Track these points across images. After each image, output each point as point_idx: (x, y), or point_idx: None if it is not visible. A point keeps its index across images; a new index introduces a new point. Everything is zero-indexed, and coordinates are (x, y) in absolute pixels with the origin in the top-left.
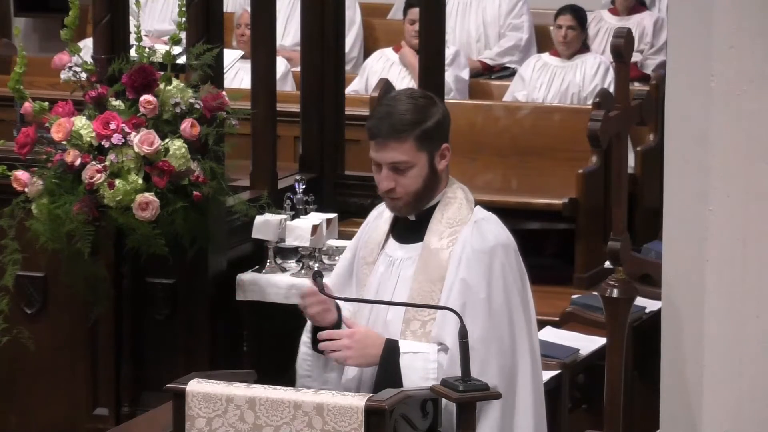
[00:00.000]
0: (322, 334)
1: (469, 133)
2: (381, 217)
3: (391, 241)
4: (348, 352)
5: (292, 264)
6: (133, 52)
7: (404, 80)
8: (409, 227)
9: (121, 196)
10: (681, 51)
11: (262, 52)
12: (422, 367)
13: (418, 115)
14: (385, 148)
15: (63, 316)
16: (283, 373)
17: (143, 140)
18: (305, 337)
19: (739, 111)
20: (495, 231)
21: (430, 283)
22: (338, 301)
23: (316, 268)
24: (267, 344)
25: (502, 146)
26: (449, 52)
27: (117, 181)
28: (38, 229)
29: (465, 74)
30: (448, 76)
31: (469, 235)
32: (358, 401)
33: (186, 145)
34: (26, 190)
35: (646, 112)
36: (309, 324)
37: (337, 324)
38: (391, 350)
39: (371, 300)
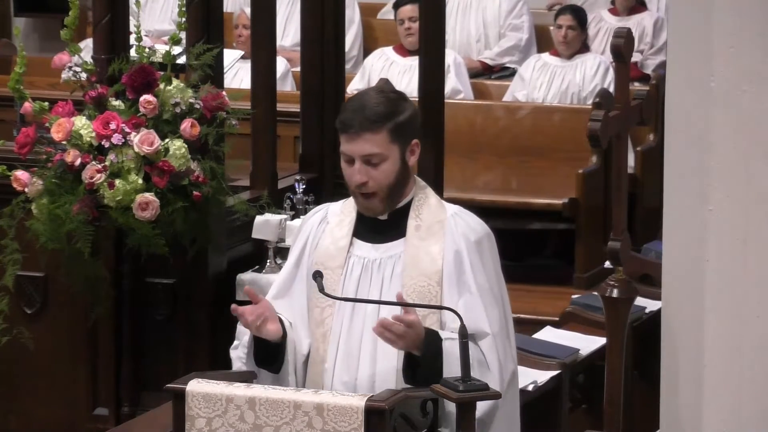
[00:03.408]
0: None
1: (469, 133)
2: (327, 221)
3: (358, 242)
4: (400, 340)
5: None
6: (133, 52)
7: (404, 79)
8: (378, 227)
9: (121, 196)
10: (681, 51)
11: (262, 52)
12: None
13: (391, 107)
14: (358, 140)
15: (63, 316)
16: None
17: (143, 140)
18: (241, 353)
19: (739, 111)
20: (477, 221)
21: (425, 278)
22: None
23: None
24: None
25: (502, 146)
26: (450, 60)
27: (117, 181)
28: (38, 229)
29: (467, 78)
30: (458, 81)
31: (457, 228)
32: (358, 401)
33: (186, 145)
34: (26, 190)
35: (646, 112)
36: (246, 338)
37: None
38: (433, 335)
39: (375, 300)
